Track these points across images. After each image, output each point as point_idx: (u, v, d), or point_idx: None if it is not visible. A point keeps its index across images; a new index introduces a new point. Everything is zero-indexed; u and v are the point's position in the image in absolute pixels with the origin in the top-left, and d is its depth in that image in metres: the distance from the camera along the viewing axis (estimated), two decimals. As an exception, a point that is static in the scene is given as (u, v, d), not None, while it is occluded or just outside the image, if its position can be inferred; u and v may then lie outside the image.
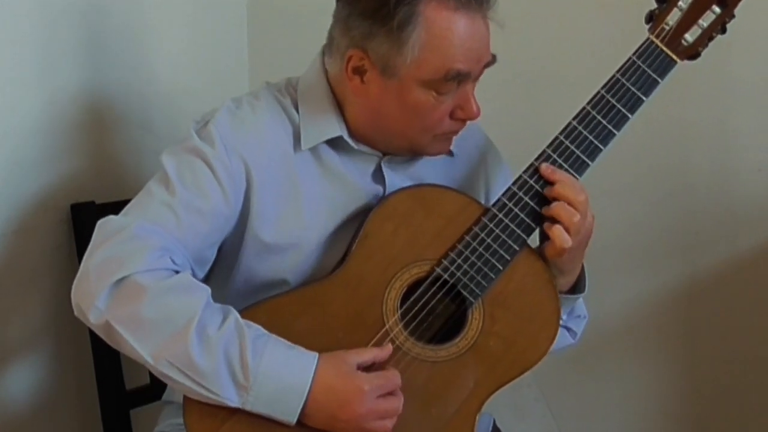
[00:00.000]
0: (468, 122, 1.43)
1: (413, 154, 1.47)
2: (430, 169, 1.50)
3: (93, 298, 1.27)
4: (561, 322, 1.46)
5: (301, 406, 1.26)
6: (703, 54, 1.42)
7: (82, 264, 1.31)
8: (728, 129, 1.99)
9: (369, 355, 1.32)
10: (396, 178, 1.47)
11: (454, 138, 1.46)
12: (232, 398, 1.26)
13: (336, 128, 1.44)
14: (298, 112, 1.45)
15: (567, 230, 1.36)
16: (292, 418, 1.27)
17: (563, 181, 1.37)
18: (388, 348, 1.34)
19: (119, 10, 1.82)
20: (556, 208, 1.37)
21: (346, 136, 1.44)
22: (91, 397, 1.72)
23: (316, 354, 1.29)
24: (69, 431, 1.78)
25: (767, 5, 1.89)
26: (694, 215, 2.03)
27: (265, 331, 1.29)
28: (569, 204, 1.36)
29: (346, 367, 1.29)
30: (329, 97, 1.44)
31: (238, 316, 1.30)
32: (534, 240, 1.41)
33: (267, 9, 2.19)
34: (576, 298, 1.47)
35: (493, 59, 1.40)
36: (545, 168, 1.38)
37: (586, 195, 1.37)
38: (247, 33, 2.21)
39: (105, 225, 1.34)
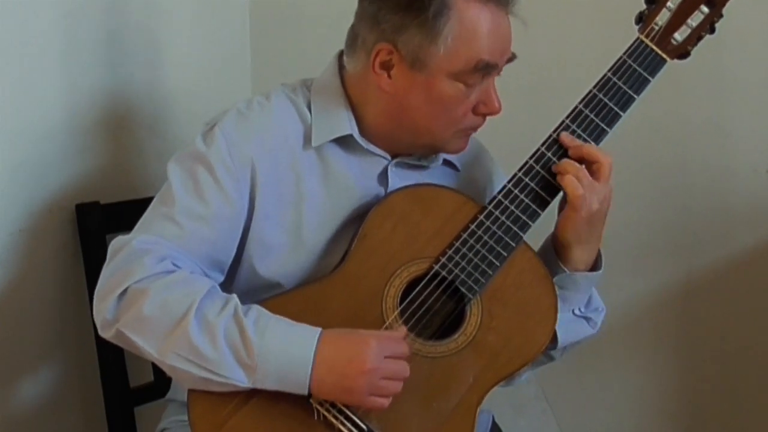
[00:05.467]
0: (487, 118, 1.45)
1: (433, 151, 1.49)
2: (434, 182, 1.49)
3: (103, 314, 1.31)
4: (580, 312, 1.47)
5: (309, 376, 1.27)
6: (698, 54, 1.43)
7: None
8: (724, 129, 2.00)
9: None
10: (399, 184, 1.47)
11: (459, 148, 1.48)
12: (241, 380, 1.27)
13: (346, 126, 1.45)
14: (311, 111, 1.46)
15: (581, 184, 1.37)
16: (303, 390, 1.28)
17: (590, 145, 1.39)
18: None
19: (122, 15, 1.83)
20: (569, 165, 1.38)
21: (356, 135, 1.45)
22: (95, 394, 1.73)
23: (320, 328, 1.30)
24: (74, 428, 1.79)
25: (763, 6, 1.91)
26: (690, 215, 2.04)
27: (267, 311, 1.31)
28: (595, 161, 1.38)
29: (350, 330, 1.32)
30: (342, 96, 1.46)
31: (238, 302, 1.31)
32: (531, 237, 1.41)
33: (268, 12, 2.20)
34: (595, 275, 1.45)
35: (513, 56, 1.43)
36: (565, 136, 1.40)
37: (611, 160, 1.38)
38: (250, 35, 2.21)
39: (111, 246, 1.37)
